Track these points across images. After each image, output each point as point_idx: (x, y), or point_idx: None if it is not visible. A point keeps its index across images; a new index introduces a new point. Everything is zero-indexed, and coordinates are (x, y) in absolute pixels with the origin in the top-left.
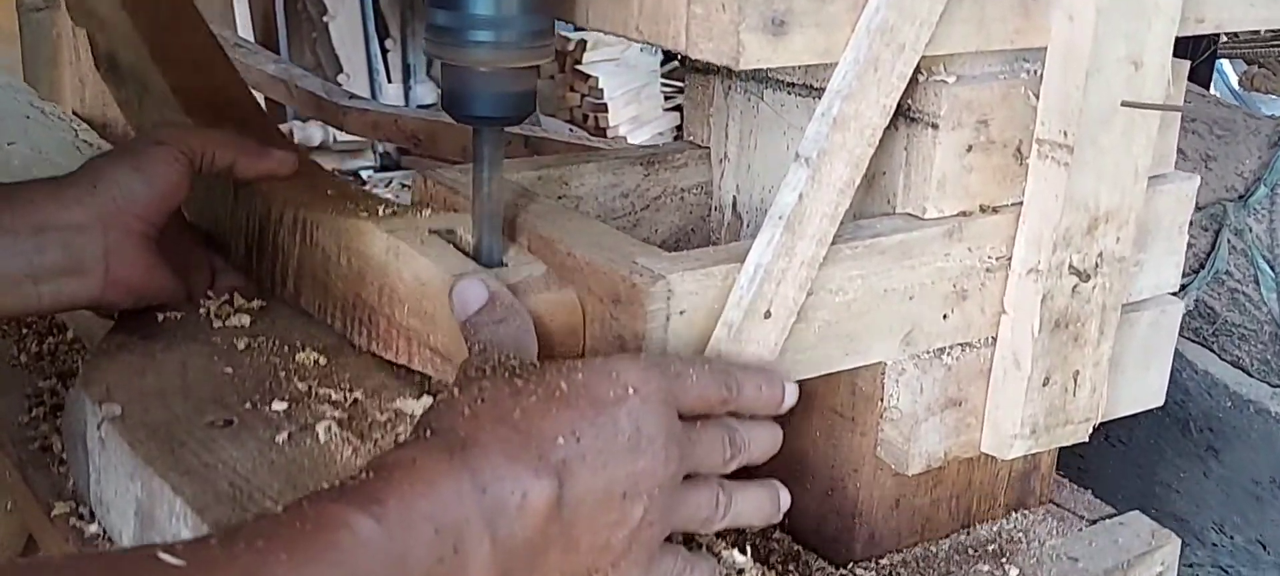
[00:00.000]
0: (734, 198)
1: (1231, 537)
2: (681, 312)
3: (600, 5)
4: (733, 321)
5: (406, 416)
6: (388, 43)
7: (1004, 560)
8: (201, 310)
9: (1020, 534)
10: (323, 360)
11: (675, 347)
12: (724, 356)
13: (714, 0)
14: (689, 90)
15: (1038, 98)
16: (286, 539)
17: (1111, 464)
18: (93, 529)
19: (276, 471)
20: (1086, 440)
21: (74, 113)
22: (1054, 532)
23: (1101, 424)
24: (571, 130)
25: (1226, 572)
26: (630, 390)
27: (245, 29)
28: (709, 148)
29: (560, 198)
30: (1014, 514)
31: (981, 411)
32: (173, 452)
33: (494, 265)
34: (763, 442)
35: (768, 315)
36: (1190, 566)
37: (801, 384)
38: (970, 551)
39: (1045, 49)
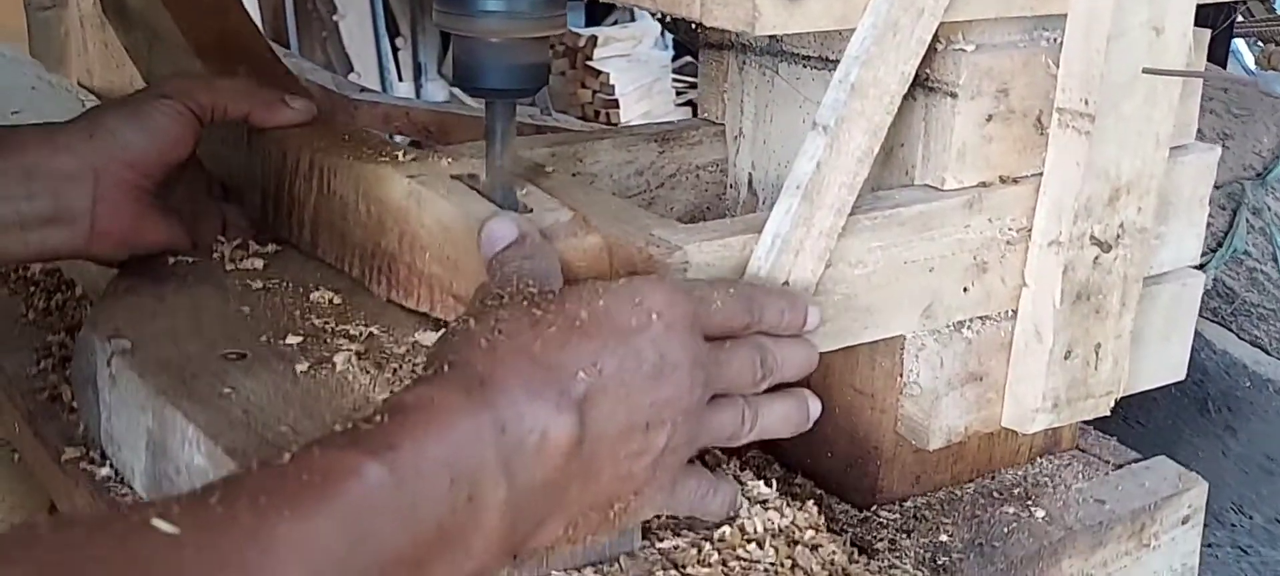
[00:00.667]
0: (749, 174)
1: (1250, 517)
2: None
3: None
4: None
5: (423, 348)
6: (398, 41)
7: (1030, 502)
8: (215, 254)
9: (1046, 477)
10: (338, 299)
11: None
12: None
13: None
14: (703, 66)
15: (1058, 66)
16: (291, 492)
17: (1130, 444)
18: (104, 471)
19: (291, 400)
20: (1108, 414)
21: (80, 83)
22: (1080, 476)
23: (1120, 402)
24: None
25: (1245, 553)
26: (654, 316)
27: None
28: (724, 124)
29: (574, 174)
30: (1040, 459)
31: (1002, 385)
32: (185, 383)
33: None
34: (796, 360)
35: (785, 286)
36: (1209, 547)
37: (821, 358)
38: (996, 494)
39: (1065, 17)
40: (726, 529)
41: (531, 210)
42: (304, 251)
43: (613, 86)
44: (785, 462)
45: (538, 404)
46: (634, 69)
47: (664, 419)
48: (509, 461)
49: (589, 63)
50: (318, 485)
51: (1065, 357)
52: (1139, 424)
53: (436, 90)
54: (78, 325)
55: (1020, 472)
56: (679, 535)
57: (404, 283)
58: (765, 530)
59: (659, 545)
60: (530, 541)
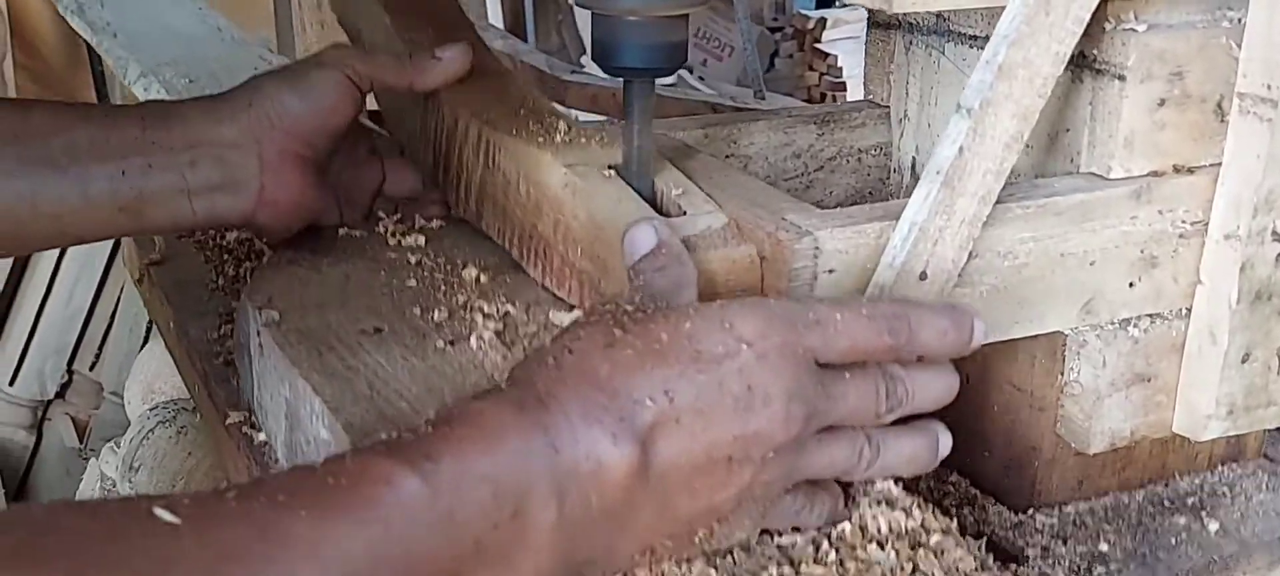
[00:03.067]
0: (913, 158)
1: None
2: (830, 271)
3: None
4: (884, 282)
5: (554, 327)
6: None
7: (1204, 513)
8: (380, 228)
9: (1225, 487)
10: (484, 277)
11: None
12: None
13: None
14: (869, 47)
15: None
16: (312, 492)
17: None
18: (260, 437)
19: (417, 376)
20: None
21: None
22: (1264, 487)
23: None
24: None
25: None
26: (743, 344)
27: (495, 15)
28: (888, 106)
29: (728, 156)
30: (1221, 466)
31: (1174, 388)
32: (320, 356)
33: None
34: (932, 389)
35: (923, 276)
36: None
37: (975, 355)
38: (1166, 503)
39: None
40: (847, 526)
41: (686, 212)
42: (469, 222)
43: (840, 68)
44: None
45: (594, 430)
46: (862, 51)
47: (751, 455)
48: (562, 485)
49: (817, 45)
50: (344, 488)
51: (1243, 361)
52: None
53: None
54: None
55: (1196, 481)
56: (798, 531)
57: (557, 272)
58: (890, 530)
59: (777, 541)
60: (596, 564)
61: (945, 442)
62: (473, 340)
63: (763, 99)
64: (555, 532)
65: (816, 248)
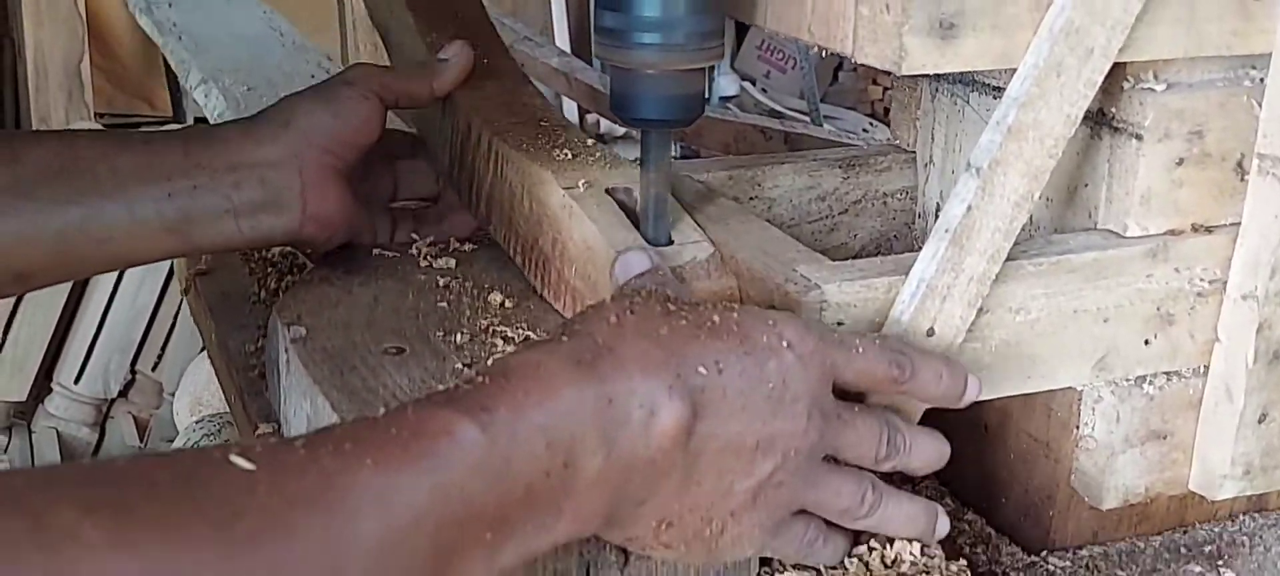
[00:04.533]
0: (938, 204)
1: None
2: (839, 324)
3: (777, 6)
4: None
5: None
6: None
7: (1220, 562)
8: (413, 250)
9: (1244, 537)
10: (509, 303)
11: None
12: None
13: (879, 0)
14: (897, 92)
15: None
16: (377, 443)
17: None
18: None
19: None
20: None
21: None
22: None
23: None
24: (869, 125)
25: None
26: (785, 343)
27: (562, 38)
28: (914, 152)
29: (752, 199)
30: (1243, 516)
31: (1190, 446)
32: (342, 375)
33: None
34: (925, 451)
35: (930, 332)
36: None
37: (994, 404)
38: (1183, 549)
39: (1270, 56)
40: (851, 562)
41: (674, 242)
42: (487, 232)
43: None
44: (958, 497)
45: (652, 381)
46: None
47: (775, 448)
48: (612, 433)
49: None
50: (406, 439)
51: (1259, 421)
52: None
53: (727, 85)
54: None
55: (1215, 529)
56: (802, 569)
57: (554, 286)
58: (889, 565)
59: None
60: (622, 523)
61: (944, 525)
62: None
63: (819, 125)
64: (599, 478)
65: (824, 300)
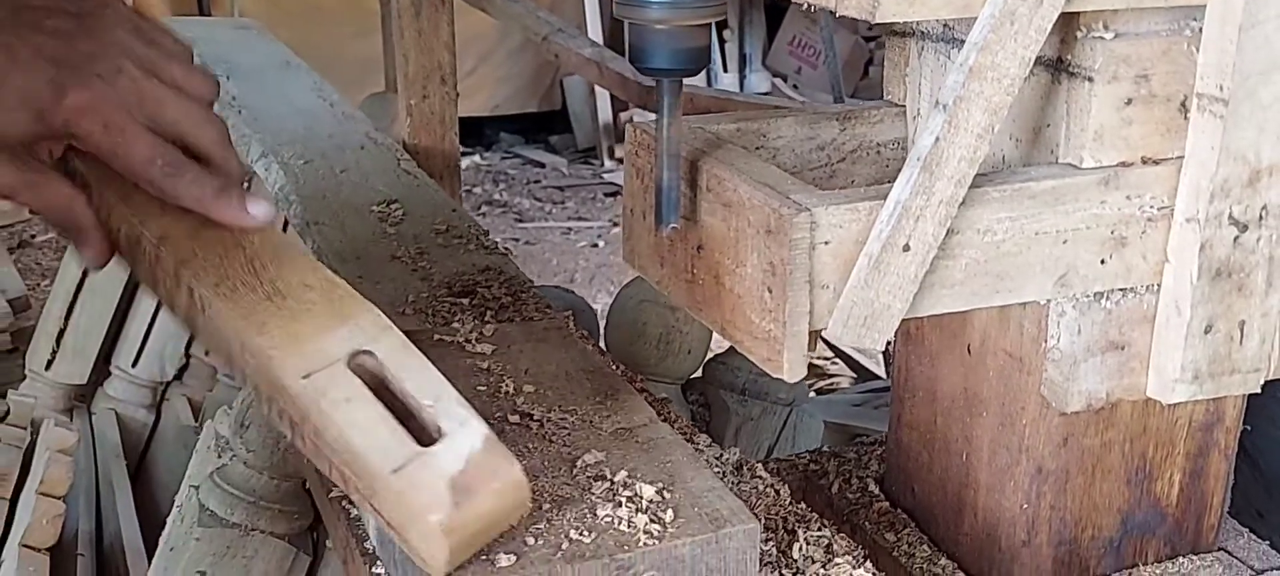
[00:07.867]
0: None
1: None
2: (826, 243)
3: None
4: (872, 252)
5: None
6: (726, 33)
7: None
8: (457, 336)
9: None
10: (531, 388)
11: (819, 275)
12: (864, 286)
13: None
14: (888, 50)
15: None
16: None
17: None
18: (355, 512)
19: None
20: (1258, 391)
21: (403, 144)
22: None
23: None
24: None
25: None
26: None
27: (594, 30)
28: (904, 105)
29: (757, 148)
30: (1181, 558)
31: (1146, 356)
32: None
33: (673, 203)
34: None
35: (906, 248)
36: None
37: (975, 326)
38: None
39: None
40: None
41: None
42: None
43: None
44: (947, 415)
45: None
46: None
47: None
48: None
49: None
50: None
51: (1206, 332)
52: None
53: (760, 81)
54: None
55: (1157, 570)
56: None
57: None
58: None
59: None
60: None
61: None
62: None
63: (838, 93)
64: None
65: (813, 221)
